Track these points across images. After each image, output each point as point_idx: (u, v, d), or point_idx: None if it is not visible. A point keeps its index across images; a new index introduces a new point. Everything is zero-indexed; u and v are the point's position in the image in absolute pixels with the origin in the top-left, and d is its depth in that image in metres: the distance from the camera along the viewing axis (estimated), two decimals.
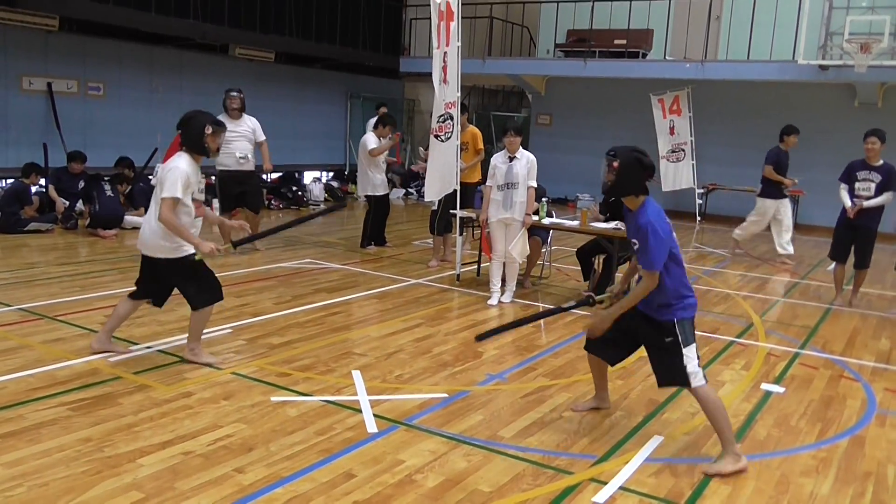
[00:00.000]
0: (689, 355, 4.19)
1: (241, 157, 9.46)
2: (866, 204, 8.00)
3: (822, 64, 13.53)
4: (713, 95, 16.09)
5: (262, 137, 9.74)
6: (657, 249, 4.11)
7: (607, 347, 4.61)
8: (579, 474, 4.01)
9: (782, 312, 8.09)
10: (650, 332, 4.33)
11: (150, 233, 5.20)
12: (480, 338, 5.21)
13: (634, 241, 4.26)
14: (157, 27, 12.87)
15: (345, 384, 5.14)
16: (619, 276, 8.06)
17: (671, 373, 4.27)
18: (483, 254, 8.69)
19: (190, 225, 5.23)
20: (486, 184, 7.79)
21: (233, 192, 9.63)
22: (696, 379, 4.19)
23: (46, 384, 4.80)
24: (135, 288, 5.52)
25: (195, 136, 5.18)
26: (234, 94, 9.50)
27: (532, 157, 7.77)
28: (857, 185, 8.13)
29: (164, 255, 5.20)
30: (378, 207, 10.36)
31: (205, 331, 5.99)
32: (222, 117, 9.32)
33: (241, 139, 9.50)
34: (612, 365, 4.75)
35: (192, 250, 5.19)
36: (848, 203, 8.16)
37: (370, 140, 10.13)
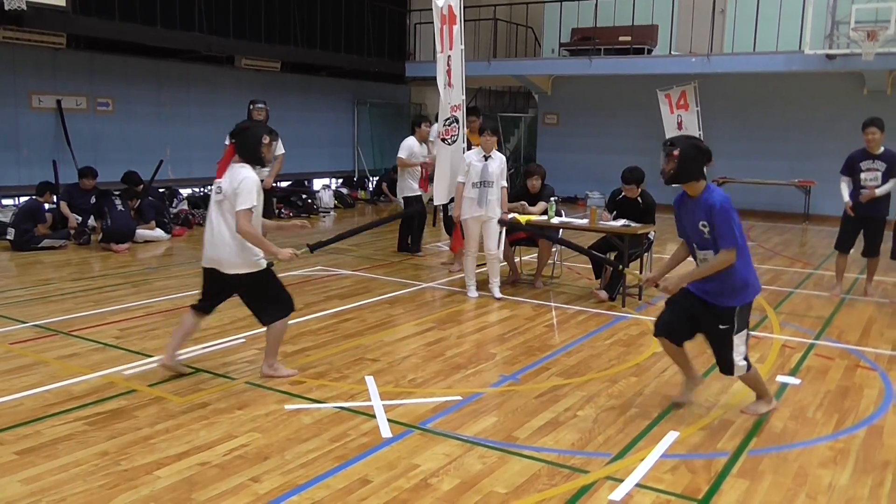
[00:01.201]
0: (738, 343, 4.54)
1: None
2: (878, 192, 7.94)
3: (829, 53, 13.47)
4: (720, 89, 16.04)
5: (281, 151, 9.66)
6: (730, 229, 4.38)
7: (670, 328, 4.83)
8: (595, 473, 4.00)
9: (796, 304, 8.04)
10: (709, 318, 4.60)
11: (226, 250, 5.04)
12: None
13: (704, 223, 4.47)
14: (163, 41, 12.97)
15: (358, 390, 5.15)
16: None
17: (721, 362, 4.65)
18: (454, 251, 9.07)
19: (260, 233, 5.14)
20: (459, 180, 7.96)
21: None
22: (739, 370, 4.59)
23: (62, 399, 4.83)
24: (197, 302, 5.41)
25: (252, 147, 5.09)
26: (261, 105, 9.39)
27: (503, 157, 8.05)
28: (862, 175, 8.05)
29: (243, 271, 5.07)
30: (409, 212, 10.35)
31: (218, 341, 6.04)
32: None
33: None
34: (679, 345, 4.89)
35: (265, 263, 5.13)
36: (847, 198, 8.09)
37: (402, 147, 10.18)
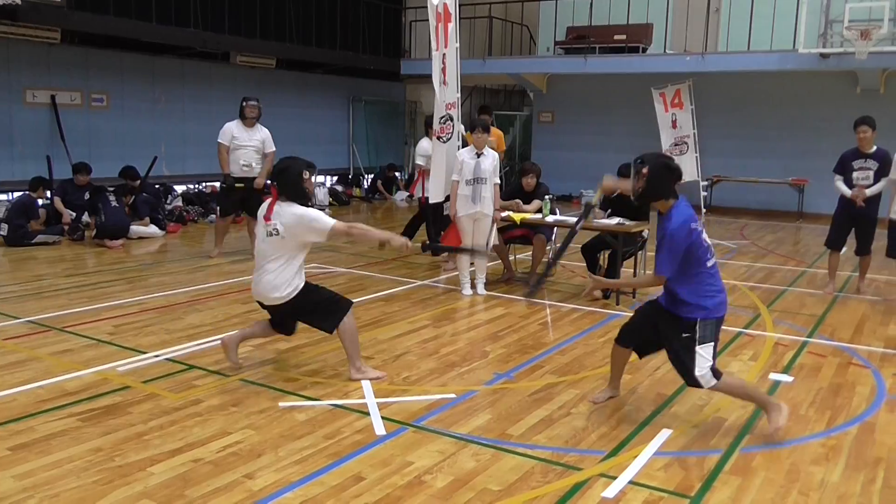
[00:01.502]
0: (703, 354, 4.37)
1: (244, 165, 9.47)
2: (868, 192, 7.98)
3: (822, 52, 13.52)
4: (715, 88, 16.07)
5: (272, 149, 9.69)
6: (665, 259, 4.33)
7: (634, 338, 4.82)
8: (588, 470, 4.01)
9: (789, 302, 8.07)
10: (668, 328, 4.50)
11: (269, 287, 5.16)
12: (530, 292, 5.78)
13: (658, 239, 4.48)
14: (158, 37, 12.95)
15: (352, 388, 5.15)
16: (624, 272, 8.09)
17: (682, 372, 4.48)
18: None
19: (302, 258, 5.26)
20: (453, 178, 7.99)
21: (234, 197, 9.62)
22: (706, 381, 4.39)
23: (56, 395, 4.83)
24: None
25: (294, 183, 5.13)
26: (254, 102, 9.53)
27: (497, 155, 8.10)
28: (854, 174, 8.09)
29: (281, 302, 5.19)
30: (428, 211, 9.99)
31: (213, 337, 6.04)
32: (236, 124, 9.45)
33: (250, 149, 9.53)
34: (640, 357, 4.98)
35: (300, 285, 5.21)
36: (846, 190, 8.13)
37: (418, 152, 10.19)
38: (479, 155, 7.85)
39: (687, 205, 4.45)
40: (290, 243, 5.12)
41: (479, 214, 7.90)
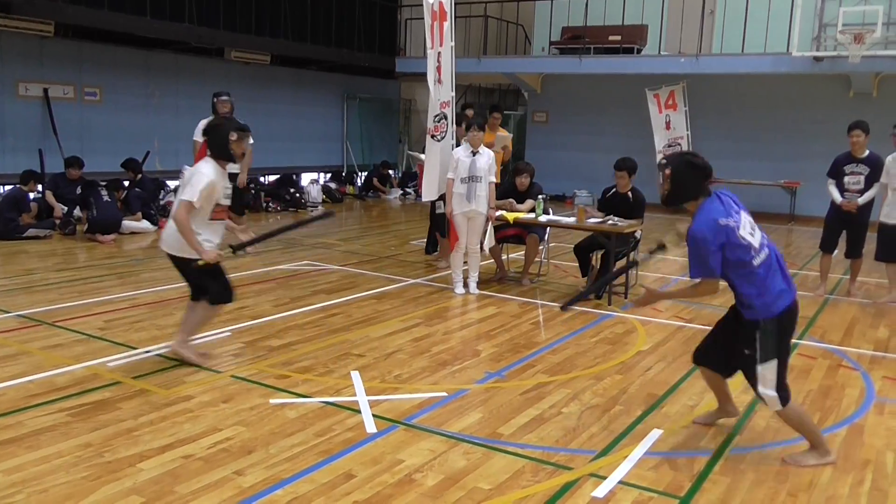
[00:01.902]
0: (765, 375, 4.07)
1: None
2: (861, 201, 8.01)
3: (816, 55, 13.56)
4: (708, 89, 16.11)
5: (250, 142, 9.57)
6: (694, 263, 4.10)
7: (713, 354, 4.51)
8: (579, 470, 4.02)
9: None
10: (739, 334, 4.22)
11: (169, 229, 5.33)
12: (565, 306, 5.39)
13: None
14: (152, 31, 12.88)
15: (344, 385, 5.15)
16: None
17: (753, 386, 4.18)
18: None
19: (205, 228, 5.26)
20: (448, 176, 8.00)
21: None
22: (773, 403, 4.10)
23: (46, 390, 4.81)
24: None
25: (221, 143, 5.29)
26: (225, 97, 9.32)
27: (492, 153, 8.08)
28: (846, 178, 8.13)
29: (176, 253, 5.30)
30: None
31: (204, 334, 6.03)
32: (210, 120, 9.28)
33: None
34: (725, 377, 4.56)
35: (195, 259, 5.22)
36: (838, 198, 8.16)
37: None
38: (474, 153, 7.85)
39: (718, 202, 4.14)
40: (180, 191, 5.31)
41: (473, 213, 7.91)
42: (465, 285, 8.11)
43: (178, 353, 5.47)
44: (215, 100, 9.35)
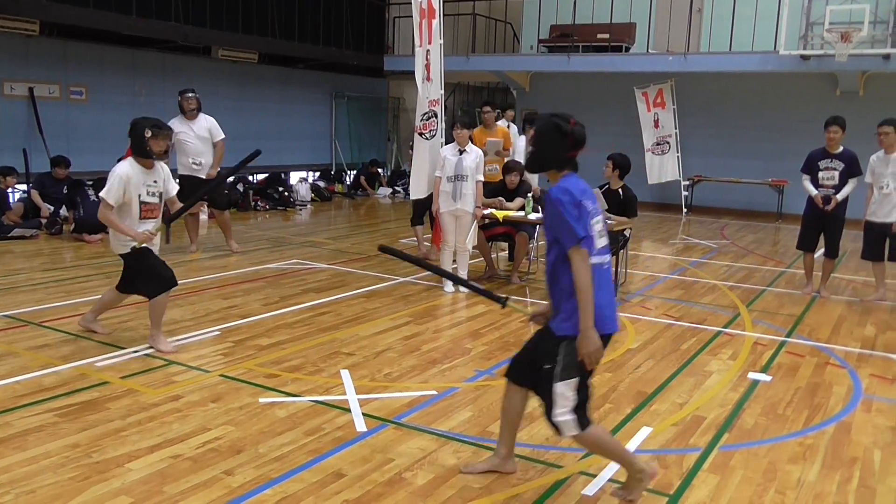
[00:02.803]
0: (563, 394, 3.46)
1: (194, 164, 9.22)
2: (839, 197, 8.04)
3: (803, 54, 13.61)
4: (696, 88, 16.16)
5: (220, 136, 9.40)
6: (562, 229, 3.41)
7: (523, 369, 3.83)
8: (569, 468, 4.03)
9: (769, 301, 8.13)
10: (539, 346, 3.66)
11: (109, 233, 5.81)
12: (383, 249, 4.35)
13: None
14: (138, 30, 12.81)
15: (334, 384, 5.14)
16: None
17: (548, 409, 3.56)
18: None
19: (138, 227, 5.60)
20: (436, 174, 8.05)
21: (192, 192, 9.20)
22: (568, 428, 3.50)
23: (32, 391, 4.78)
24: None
25: (138, 141, 5.57)
26: (190, 94, 9.23)
27: (480, 152, 8.08)
28: (820, 174, 8.17)
29: (119, 251, 5.74)
30: None
31: (192, 333, 6.01)
32: (178, 119, 9.19)
33: (197, 142, 9.26)
34: (519, 386, 3.87)
35: (131, 244, 5.59)
36: (813, 191, 8.20)
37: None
38: (461, 152, 7.84)
39: (579, 181, 3.54)
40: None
41: (459, 211, 7.95)
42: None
43: (154, 347, 5.69)
44: (180, 97, 9.29)
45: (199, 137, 9.28)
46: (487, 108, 9.70)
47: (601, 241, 3.54)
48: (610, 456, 3.70)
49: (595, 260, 3.44)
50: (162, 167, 5.80)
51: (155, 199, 5.65)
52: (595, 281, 3.39)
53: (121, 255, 5.75)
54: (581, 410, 3.51)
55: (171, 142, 5.97)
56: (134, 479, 3.69)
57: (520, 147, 10.21)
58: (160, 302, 5.67)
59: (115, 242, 5.73)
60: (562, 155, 3.55)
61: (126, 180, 5.49)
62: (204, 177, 9.28)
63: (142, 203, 5.60)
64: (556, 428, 3.54)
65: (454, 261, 8.19)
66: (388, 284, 8.30)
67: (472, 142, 8.14)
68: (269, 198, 14.86)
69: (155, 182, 5.67)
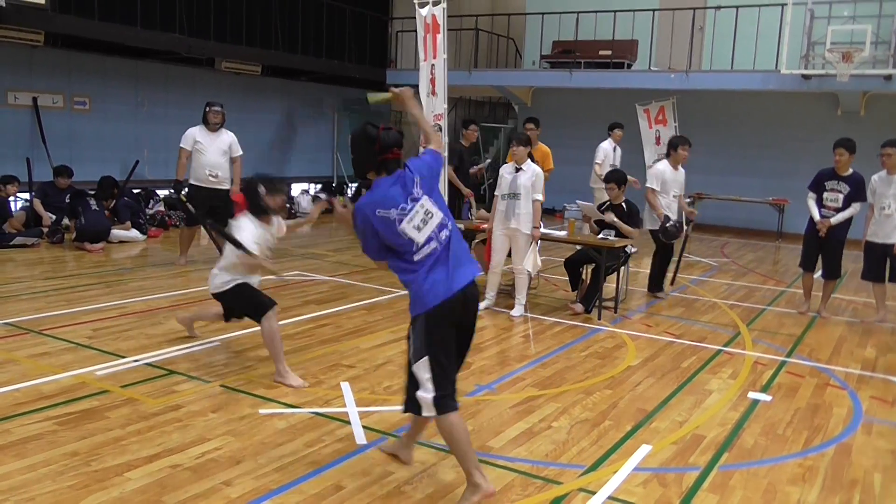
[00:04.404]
0: (420, 376, 3.63)
1: (210, 175, 9.21)
2: (834, 221, 8.03)
3: (804, 74, 13.66)
4: (698, 105, 16.19)
5: (239, 153, 9.45)
6: (365, 234, 3.71)
7: None
8: (568, 484, 4.01)
9: (769, 321, 8.12)
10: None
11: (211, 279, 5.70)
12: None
13: None
14: (142, 41, 12.84)
15: (334, 396, 5.14)
16: (607, 286, 8.11)
17: (407, 396, 3.76)
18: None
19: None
20: (495, 193, 7.80)
21: (202, 205, 9.14)
22: (427, 408, 3.63)
23: (32, 399, 4.77)
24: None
25: (253, 199, 5.51)
26: (217, 108, 9.26)
27: (539, 170, 7.68)
28: (825, 194, 8.17)
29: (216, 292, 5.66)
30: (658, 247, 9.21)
31: (193, 343, 6.02)
32: (199, 129, 9.22)
33: (216, 153, 9.26)
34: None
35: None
36: (816, 214, 8.19)
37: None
38: (518, 169, 7.62)
39: (394, 185, 3.69)
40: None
41: (512, 231, 7.60)
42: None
43: (282, 382, 5.39)
44: (207, 109, 9.30)
45: (219, 150, 9.31)
46: (531, 126, 9.63)
47: (422, 234, 3.66)
48: (454, 452, 3.72)
49: (418, 257, 3.66)
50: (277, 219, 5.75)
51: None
52: (423, 268, 3.64)
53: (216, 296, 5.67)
54: (441, 391, 3.61)
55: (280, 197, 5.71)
56: (133, 488, 3.69)
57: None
58: (273, 330, 5.41)
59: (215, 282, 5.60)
60: (374, 159, 3.72)
61: (261, 241, 5.45)
62: (226, 187, 9.35)
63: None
64: (419, 407, 3.67)
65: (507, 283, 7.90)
66: (389, 297, 8.30)
67: (531, 160, 7.75)
68: None
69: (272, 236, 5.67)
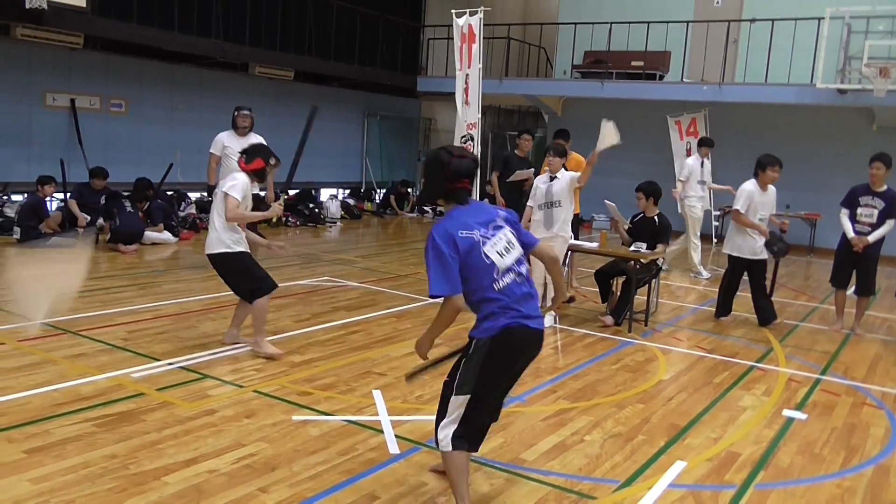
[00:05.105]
0: (452, 408, 3.56)
1: None
2: (871, 238, 7.92)
3: (840, 88, 13.52)
4: (730, 118, 16.09)
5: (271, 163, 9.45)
6: (431, 273, 3.46)
7: None
8: (603, 499, 3.99)
9: (802, 337, 8.03)
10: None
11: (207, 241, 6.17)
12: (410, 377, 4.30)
13: None
14: (178, 46, 13.02)
15: (366, 404, 5.15)
16: (638, 299, 8.05)
17: (438, 421, 3.66)
18: None
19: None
20: (528, 204, 7.84)
21: None
22: (444, 443, 3.55)
23: (71, 399, 4.83)
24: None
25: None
26: (246, 112, 9.17)
27: (572, 173, 7.89)
28: (859, 210, 8.06)
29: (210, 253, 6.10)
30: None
31: (226, 348, 6.06)
32: (228, 134, 9.14)
33: None
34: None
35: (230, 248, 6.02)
36: (849, 230, 8.07)
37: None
38: (552, 178, 7.72)
39: (466, 213, 3.56)
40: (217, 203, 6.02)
41: (552, 237, 7.56)
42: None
43: (258, 352, 6.02)
44: (236, 113, 9.28)
45: None
46: (561, 141, 9.64)
47: (505, 262, 3.52)
48: (448, 479, 3.67)
49: (498, 286, 3.49)
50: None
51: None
52: (503, 297, 3.48)
53: (213, 261, 6.06)
54: (464, 431, 3.54)
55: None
56: (171, 492, 3.72)
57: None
58: (262, 306, 5.95)
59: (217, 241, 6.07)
60: (442, 187, 3.59)
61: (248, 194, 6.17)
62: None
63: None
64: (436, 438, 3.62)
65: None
66: (419, 305, 8.31)
67: (565, 170, 7.88)
68: (300, 214, 14.98)
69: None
